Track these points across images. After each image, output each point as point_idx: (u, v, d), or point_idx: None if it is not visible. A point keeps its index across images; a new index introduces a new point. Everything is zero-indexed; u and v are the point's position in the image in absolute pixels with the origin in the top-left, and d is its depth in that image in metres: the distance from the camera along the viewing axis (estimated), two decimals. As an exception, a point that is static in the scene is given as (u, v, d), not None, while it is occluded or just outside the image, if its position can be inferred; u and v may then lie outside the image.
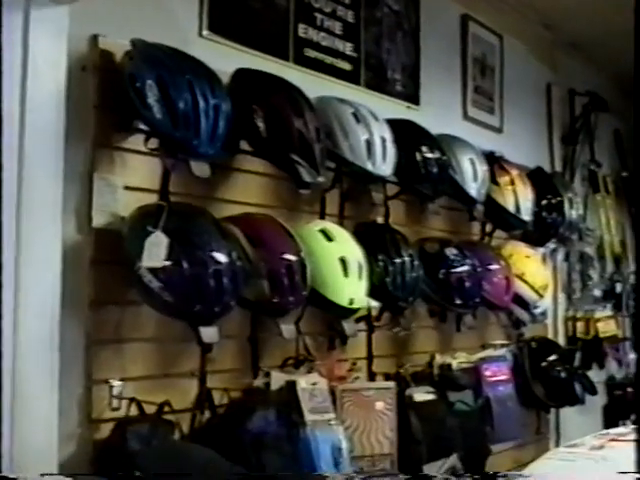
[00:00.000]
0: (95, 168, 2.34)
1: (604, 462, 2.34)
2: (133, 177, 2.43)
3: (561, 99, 5.24)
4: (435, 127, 3.61)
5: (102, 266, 2.33)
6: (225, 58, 2.74)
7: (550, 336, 4.88)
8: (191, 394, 2.56)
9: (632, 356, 5.84)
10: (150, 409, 2.38)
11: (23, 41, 2.11)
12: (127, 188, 2.41)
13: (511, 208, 3.94)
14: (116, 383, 2.30)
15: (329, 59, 3.26)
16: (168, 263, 2.21)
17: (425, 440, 3.12)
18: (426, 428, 3.15)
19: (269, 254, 2.54)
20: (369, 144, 2.96)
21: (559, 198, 4.48)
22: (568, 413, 4.87)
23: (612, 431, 2.60)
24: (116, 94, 2.34)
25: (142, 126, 2.35)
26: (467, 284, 3.50)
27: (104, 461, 2.26)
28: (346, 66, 3.36)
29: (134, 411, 2.35)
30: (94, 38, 2.35)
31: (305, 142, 2.61)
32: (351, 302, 2.80)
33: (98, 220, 2.32)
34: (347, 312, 2.84)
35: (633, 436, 2.45)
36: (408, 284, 3.13)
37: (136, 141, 2.40)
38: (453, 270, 3.47)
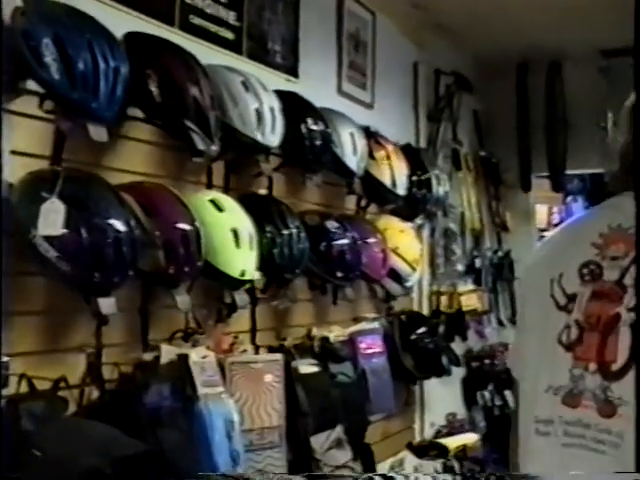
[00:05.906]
0: (-20, 131, 2.20)
1: None
2: (20, 141, 2.29)
3: (427, 78, 5.31)
4: (312, 101, 3.58)
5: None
6: (111, 20, 2.63)
7: (415, 309, 4.96)
8: (79, 369, 2.46)
9: (488, 330, 6.02)
10: (41, 385, 2.27)
11: None
12: (13, 152, 2.27)
13: (388, 183, 3.98)
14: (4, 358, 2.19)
15: (213, 27, 3.18)
16: (66, 231, 2.12)
17: (312, 412, 3.13)
18: (312, 400, 3.15)
19: (164, 223, 2.48)
20: (259, 113, 2.92)
21: (427, 174, 4.55)
22: (431, 385, 4.98)
23: None
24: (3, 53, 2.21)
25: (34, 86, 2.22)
26: (348, 257, 3.51)
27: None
28: (229, 35, 3.29)
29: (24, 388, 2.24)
30: (-21, -7, 2.20)
31: (200, 109, 2.56)
32: (242, 273, 2.77)
33: (-18, 186, 2.19)
34: (239, 283, 2.82)
35: None
36: (295, 256, 3.11)
37: (23, 103, 2.27)
38: (334, 243, 3.47)
